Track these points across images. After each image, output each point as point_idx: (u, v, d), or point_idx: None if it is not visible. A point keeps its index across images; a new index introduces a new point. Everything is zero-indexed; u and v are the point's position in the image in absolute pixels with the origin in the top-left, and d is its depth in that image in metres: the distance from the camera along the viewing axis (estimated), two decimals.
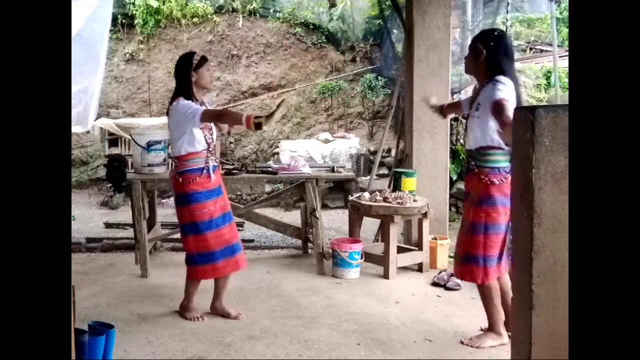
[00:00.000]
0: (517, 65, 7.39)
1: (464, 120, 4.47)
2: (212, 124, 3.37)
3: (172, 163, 3.69)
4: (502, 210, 2.92)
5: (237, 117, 3.24)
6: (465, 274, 3.06)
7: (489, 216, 2.94)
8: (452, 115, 3.36)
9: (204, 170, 3.32)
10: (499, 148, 2.91)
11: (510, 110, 2.65)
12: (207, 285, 3.52)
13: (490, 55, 2.93)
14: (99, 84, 8.40)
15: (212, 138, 3.37)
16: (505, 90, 2.83)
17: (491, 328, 3.09)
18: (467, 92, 6.66)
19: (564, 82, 7.58)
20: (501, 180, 2.91)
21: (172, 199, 5.82)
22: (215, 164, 3.42)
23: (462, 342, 3.11)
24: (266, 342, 3.11)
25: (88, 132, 8.59)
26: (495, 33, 3.00)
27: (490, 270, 2.98)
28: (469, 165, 3.08)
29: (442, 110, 3.54)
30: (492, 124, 2.88)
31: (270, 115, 3.10)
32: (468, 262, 3.02)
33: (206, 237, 3.31)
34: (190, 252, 3.39)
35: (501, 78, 2.87)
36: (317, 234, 4.43)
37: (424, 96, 3.49)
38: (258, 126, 3.06)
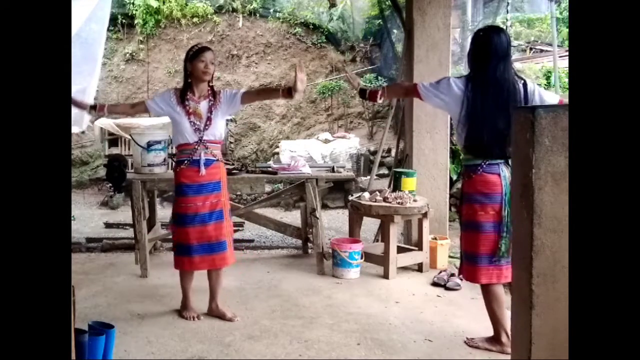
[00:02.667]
0: (517, 65, 7.39)
1: None
2: (203, 112, 3.31)
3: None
4: (479, 208, 2.89)
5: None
6: (459, 270, 3.20)
7: (466, 213, 2.97)
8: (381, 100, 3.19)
9: (186, 162, 3.29)
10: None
11: (413, 85, 3.17)
12: (206, 285, 3.51)
13: (472, 53, 2.94)
14: (95, 84, 8.41)
15: (201, 126, 3.30)
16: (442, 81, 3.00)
17: (494, 333, 3.03)
18: None
19: (564, 82, 7.58)
20: (470, 176, 2.91)
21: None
22: (211, 157, 3.33)
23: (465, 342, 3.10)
24: (266, 342, 3.11)
25: (83, 132, 8.59)
26: (481, 33, 2.97)
27: (474, 269, 2.94)
28: None
29: (370, 94, 3.20)
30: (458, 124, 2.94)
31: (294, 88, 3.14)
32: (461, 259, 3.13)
33: (187, 230, 3.32)
34: (173, 241, 3.50)
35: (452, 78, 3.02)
36: (317, 234, 4.43)
37: (352, 75, 3.30)
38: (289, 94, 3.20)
